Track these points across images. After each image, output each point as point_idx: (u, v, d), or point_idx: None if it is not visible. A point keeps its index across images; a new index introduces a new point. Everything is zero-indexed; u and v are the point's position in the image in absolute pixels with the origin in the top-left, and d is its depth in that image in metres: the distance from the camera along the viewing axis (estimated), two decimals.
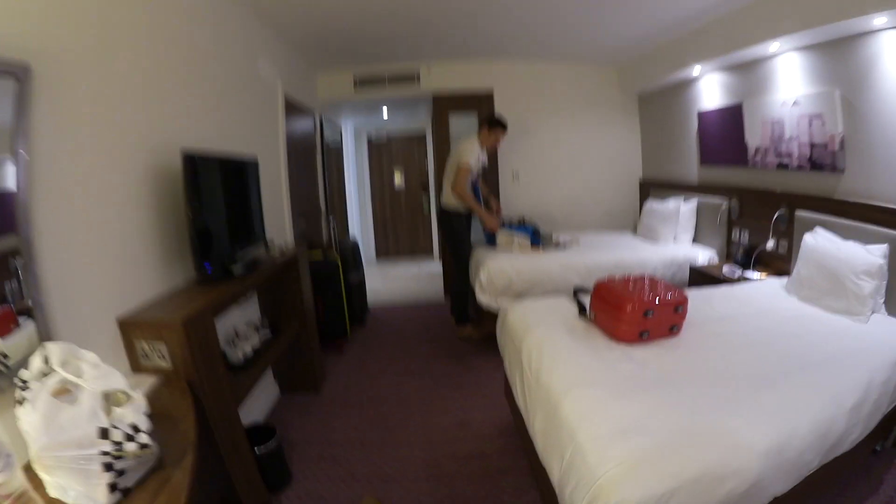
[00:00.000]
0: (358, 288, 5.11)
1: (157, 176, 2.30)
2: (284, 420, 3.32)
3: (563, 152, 5.79)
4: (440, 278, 6.92)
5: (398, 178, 8.68)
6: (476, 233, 4.71)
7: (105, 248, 1.98)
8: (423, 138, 8.46)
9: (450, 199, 4.43)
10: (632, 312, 2.09)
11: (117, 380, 1.42)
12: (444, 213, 4.55)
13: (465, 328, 4.60)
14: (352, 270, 4.98)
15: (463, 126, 5.72)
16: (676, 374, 1.84)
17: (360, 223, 8.58)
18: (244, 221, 2.94)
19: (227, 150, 3.01)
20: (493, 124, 4.41)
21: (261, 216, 3.12)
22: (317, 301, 4.28)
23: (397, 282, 7.25)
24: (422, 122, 8.10)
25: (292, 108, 4.54)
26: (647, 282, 2.35)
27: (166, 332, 1.97)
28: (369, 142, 8.60)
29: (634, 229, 5.49)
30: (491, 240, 4.53)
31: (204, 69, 2.88)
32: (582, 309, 2.55)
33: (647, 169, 5.79)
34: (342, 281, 4.55)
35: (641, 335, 2.12)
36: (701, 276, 3.80)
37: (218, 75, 3.06)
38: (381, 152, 8.65)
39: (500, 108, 5.54)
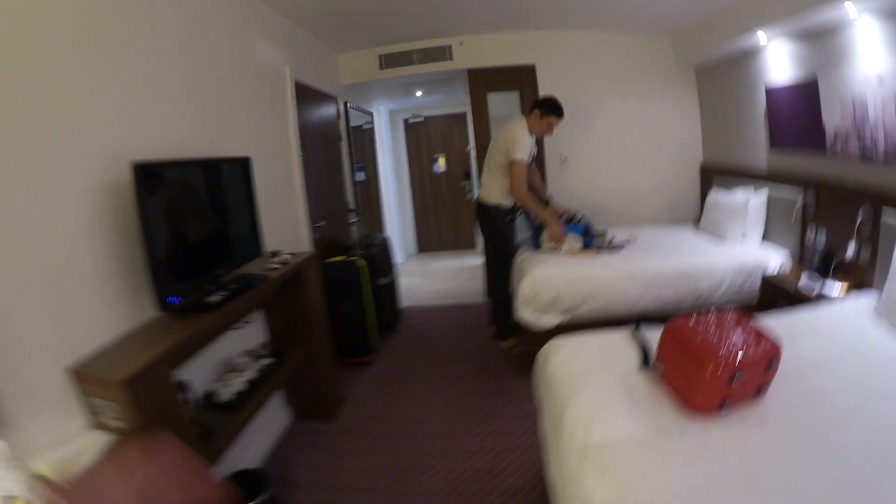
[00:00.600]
0: (388, 291, 4.73)
1: (114, 193, 1.94)
2: (290, 457, 2.98)
3: (616, 134, 5.15)
4: (482, 273, 6.48)
5: (440, 162, 8.23)
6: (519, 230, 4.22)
7: (52, 283, 1.67)
8: (462, 118, 7.94)
9: (490, 194, 3.93)
10: (714, 377, 1.55)
11: (15, 484, 1.20)
12: (484, 210, 4.01)
13: (508, 340, 4.14)
14: (380, 273, 4.59)
15: (503, 107, 5.19)
16: (766, 477, 1.31)
17: (398, 215, 8.19)
18: (231, 237, 2.56)
19: (216, 152, 2.65)
20: (547, 109, 3.82)
21: (255, 226, 2.73)
22: (337, 312, 3.92)
23: (436, 278, 6.84)
24: (460, 101, 7.57)
25: (308, 95, 4.15)
26: (730, 322, 1.79)
27: (110, 391, 1.62)
28: (405, 124, 8.16)
29: (695, 222, 4.88)
30: (536, 238, 4.02)
31: (182, 58, 2.50)
32: (645, 358, 2.04)
33: (708, 153, 5.07)
34: (368, 287, 4.17)
35: (722, 405, 1.60)
36: (773, 289, 3.14)
37: (201, 64, 2.67)
38: (418, 135, 8.21)
39: (544, 84, 4.97)
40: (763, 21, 3.40)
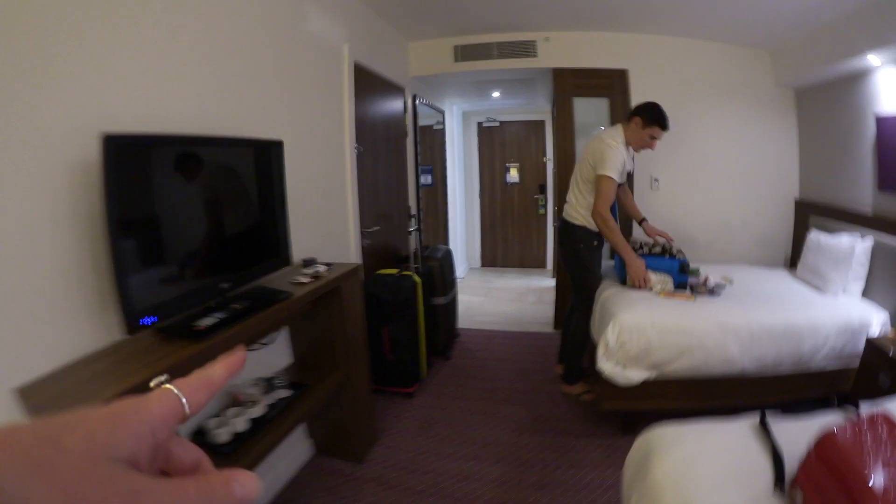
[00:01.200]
0: (444, 312, 4.18)
1: (89, 175, 1.49)
2: (301, 500, 2.49)
3: (709, 157, 4.43)
4: (551, 297, 5.86)
5: (512, 173, 7.65)
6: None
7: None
8: (541, 125, 7.35)
9: (576, 213, 3.34)
10: None
11: None
12: (567, 230, 3.41)
13: (576, 386, 3.52)
14: (438, 291, 4.07)
15: (590, 114, 4.57)
16: None
17: (464, 224, 7.68)
18: (246, 239, 2.09)
19: (239, 131, 2.19)
20: (650, 118, 3.15)
21: (281, 227, 2.26)
22: (382, 335, 3.42)
23: (500, 298, 6.23)
24: (540, 107, 6.99)
25: (370, 82, 3.68)
26: (886, 437, 1.21)
27: None
28: (479, 128, 7.64)
29: (786, 264, 4.23)
30: (623, 271, 3.33)
31: (196, 7, 2.06)
32: (778, 472, 1.40)
33: (805, 187, 4.29)
34: (421, 308, 3.65)
35: None
36: (879, 355, 2.51)
37: (225, 19, 2.22)
38: (492, 141, 7.65)
39: (637, 93, 4.30)
40: (877, 43, 2.93)
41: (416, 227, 4.48)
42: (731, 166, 4.44)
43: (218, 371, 0.36)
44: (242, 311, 1.86)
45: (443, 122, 6.10)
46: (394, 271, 3.59)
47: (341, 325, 2.56)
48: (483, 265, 8.06)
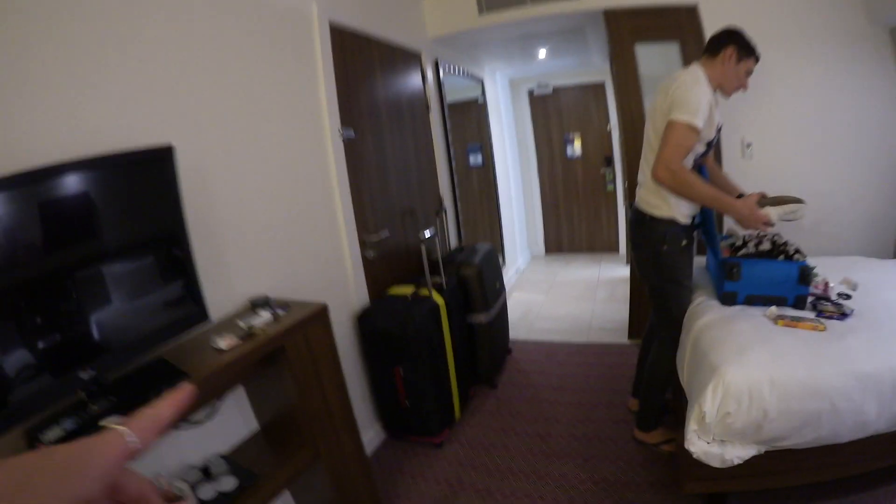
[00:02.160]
0: (488, 332, 3.37)
1: None
2: None
3: (802, 114, 3.32)
4: (625, 292, 4.94)
5: (573, 146, 6.69)
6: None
7: None
8: (600, 89, 6.31)
9: (654, 198, 2.31)
10: None
11: None
12: (645, 225, 2.38)
13: (652, 433, 2.66)
14: (477, 307, 3.28)
15: (658, 64, 3.59)
16: None
17: (522, 208, 6.81)
18: (116, 301, 1.37)
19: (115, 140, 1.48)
20: (747, 47, 2.22)
21: (178, 272, 1.53)
22: (395, 377, 2.69)
23: (564, 295, 5.33)
24: (597, 66, 5.96)
25: (364, 48, 2.91)
26: None
27: None
28: (530, 97, 6.71)
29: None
30: (724, 283, 2.31)
31: None
32: None
33: None
34: (446, 337, 2.88)
35: None
36: None
37: None
38: (546, 111, 6.68)
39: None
40: None
41: (435, 228, 3.65)
42: (828, 126, 3.32)
43: (164, 409, 0.39)
44: (106, 412, 1.18)
45: (483, 92, 5.25)
46: (408, 289, 2.84)
47: (301, 394, 1.83)
48: (547, 252, 7.17)
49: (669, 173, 2.11)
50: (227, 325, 1.74)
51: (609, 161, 6.43)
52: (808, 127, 3.35)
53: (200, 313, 1.58)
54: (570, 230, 7.03)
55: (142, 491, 0.38)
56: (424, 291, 2.79)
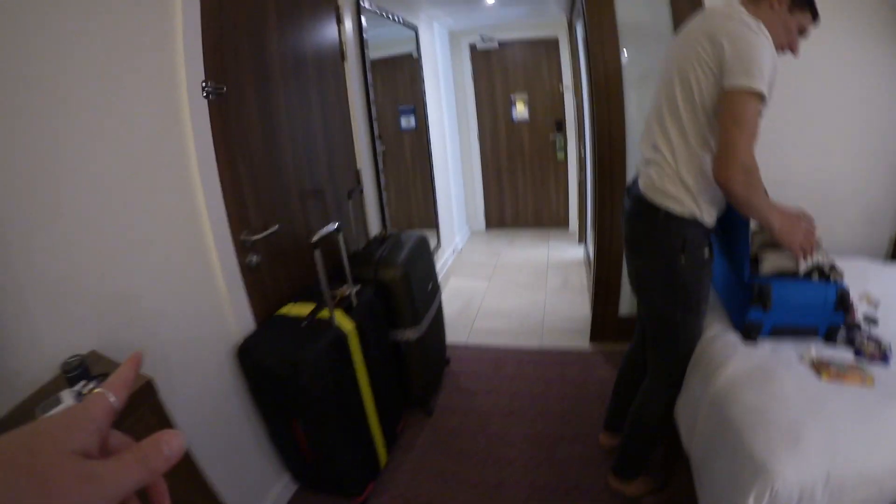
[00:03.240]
0: (420, 349, 2.66)
1: None
2: None
3: (804, 96, 2.78)
4: (582, 280, 4.38)
5: (518, 107, 5.99)
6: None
7: None
8: (553, 45, 5.61)
9: (672, 183, 1.65)
10: None
11: None
12: (657, 221, 1.70)
13: (633, 483, 2.09)
14: (404, 321, 2.57)
15: (643, 11, 2.90)
16: None
17: (459, 178, 6.10)
18: None
19: None
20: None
21: None
22: (294, 431, 1.97)
23: (512, 282, 4.69)
24: (552, 18, 5.24)
25: None
26: None
27: None
28: (472, 52, 5.93)
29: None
30: (748, 312, 1.71)
31: None
32: None
33: None
34: (360, 372, 2.16)
35: None
36: None
37: None
38: (490, 67, 5.92)
39: None
40: None
41: (342, 220, 2.91)
42: (829, 111, 2.83)
43: (127, 370, 0.44)
44: None
45: (417, 44, 4.45)
46: (308, 308, 2.09)
47: None
48: (488, 227, 6.53)
49: (744, 173, 1.45)
50: (20, 414, 1.02)
51: (560, 126, 5.78)
52: (810, 111, 2.82)
53: None
54: (514, 202, 6.39)
55: (126, 442, 0.41)
56: (326, 313, 2.05)
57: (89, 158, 1.40)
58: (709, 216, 1.66)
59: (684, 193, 1.63)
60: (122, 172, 1.50)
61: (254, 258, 2.02)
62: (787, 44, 1.62)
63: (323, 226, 2.07)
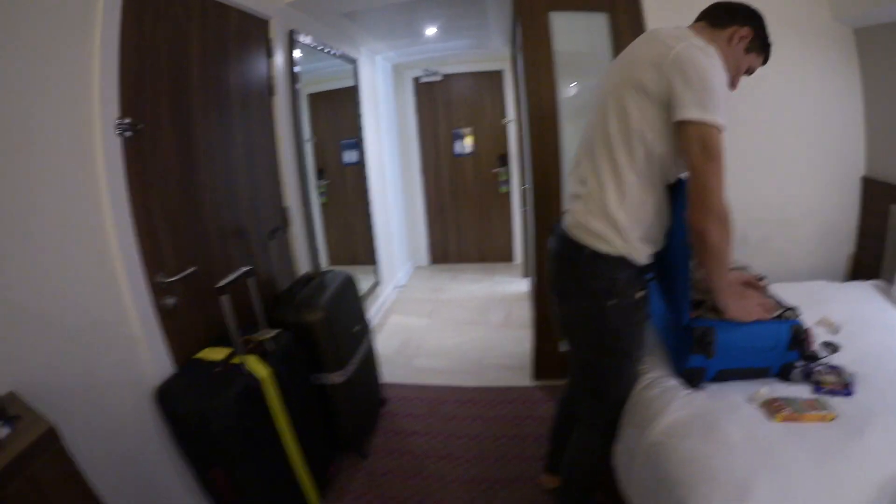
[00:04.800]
0: (346, 393, 2.62)
1: None
2: None
3: (757, 117, 2.95)
4: (525, 315, 4.41)
5: (463, 141, 6.10)
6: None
7: None
8: (496, 77, 5.79)
9: (599, 222, 1.59)
10: None
11: None
12: (578, 257, 1.64)
13: None
14: (328, 365, 2.54)
15: (581, 41, 3.00)
16: None
17: (403, 212, 6.13)
18: None
19: None
20: (763, 39, 1.66)
21: None
22: (216, 481, 1.92)
23: (453, 320, 4.70)
24: (494, 52, 5.39)
25: (183, 4, 2.09)
26: None
27: None
28: (416, 85, 6.04)
29: (852, 269, 3.02)
30: (688, 357, 1.68)
31: None
32: None
33: (875, 160, 2.91)
34: (279, 416, 2.13)
35: None
36: None
37: None
38: (434, 100, 6.04)
39: (652, 10, 2.83)
40: None
41: (255, 265, 2.87)
42: (782, 131, 3.00)
43: None
44: None
45: (355, 76, 4.51)
46: (224, 354, 2.05)
47: None
48: (433, 262, 6.56)
49: (719, 222, 1.45)
50: None
51: (504, 160, 5.91)
52: (761, 131, 2.98)
53: None
54: (458, 237, 6.46)
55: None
56: (236, 359, 2.01)
57: None
58: (641, 255, 1.61)
59: (611, 231, 1.56)
60: (23, 209, 1.46)
61: (171, 300, 1.98)
62: (730, 79, 1.60)
63: (243, 266, 2.06)
